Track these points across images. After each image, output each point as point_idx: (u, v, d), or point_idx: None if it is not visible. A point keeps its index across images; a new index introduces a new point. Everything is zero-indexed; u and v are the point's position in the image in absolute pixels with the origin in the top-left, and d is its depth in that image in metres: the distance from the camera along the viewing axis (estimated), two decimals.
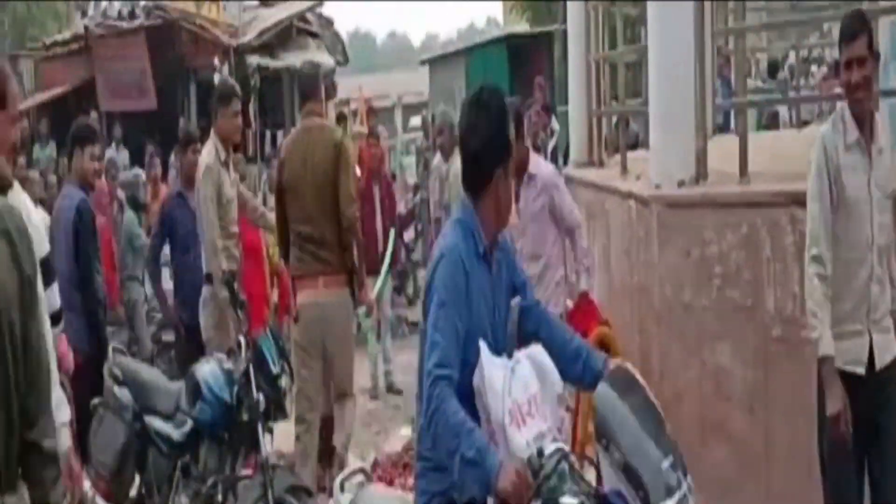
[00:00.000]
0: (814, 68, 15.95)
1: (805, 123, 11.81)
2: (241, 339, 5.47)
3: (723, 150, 5.83)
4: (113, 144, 15.67)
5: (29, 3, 24.88)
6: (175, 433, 5.42)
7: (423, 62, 26.76)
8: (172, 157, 12.14)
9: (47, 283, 3.89)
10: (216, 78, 15.09)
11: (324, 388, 6.35)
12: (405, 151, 18.27)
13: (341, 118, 17.18)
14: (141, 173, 11.45)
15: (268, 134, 16.48)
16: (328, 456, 6.36)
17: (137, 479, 5.55)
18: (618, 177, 6.52)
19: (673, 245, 5.37)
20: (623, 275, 6.03)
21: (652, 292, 5.51)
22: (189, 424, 5.38)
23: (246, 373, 5.30)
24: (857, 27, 3.97)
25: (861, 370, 4.00)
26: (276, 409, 5.43)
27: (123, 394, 5.55)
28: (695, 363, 5.31)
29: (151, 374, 5.85)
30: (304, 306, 6.14)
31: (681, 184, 5.45)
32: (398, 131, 20.77)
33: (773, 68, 14.39)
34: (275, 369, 5.40)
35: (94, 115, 14.82)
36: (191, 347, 6.86)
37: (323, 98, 6.62)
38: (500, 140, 3.15)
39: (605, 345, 5.28)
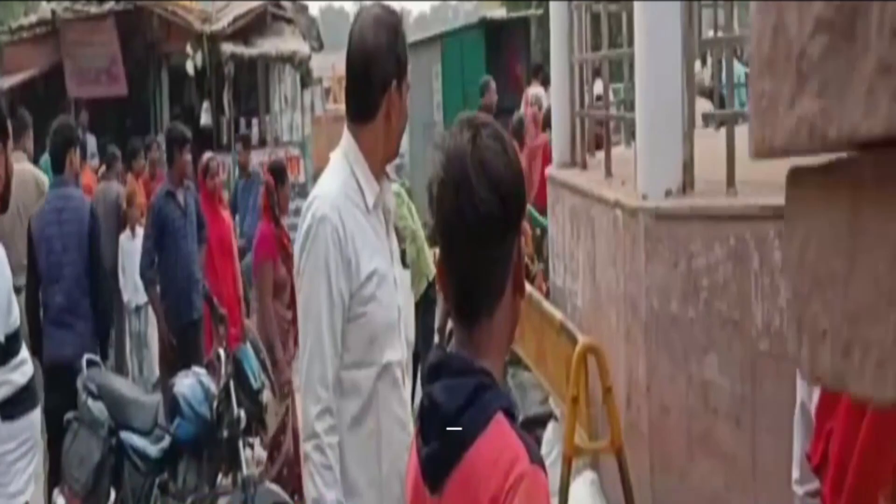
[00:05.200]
0: None
1: None
2: (221, 352, 5.37)
3: (711, 151, 5.71)
4: (79, 130, 15.34)
5: None
6: (152, 449, 5.31)
7: None
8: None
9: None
10: (188, 65, 14.84)
11: None
12: None
13: None
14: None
15: (242, 121, 16.22)
16: None
17: (113, 496, 5.44)
18: (602, 181, 6.43)
19: (660, 257, 5.28)
20: (609, 284, 5.94)
21: (639, 303, 5.42)
22: (167, 440, 5.28)
23: (226, 388, 5.20)
24: None
25: None
26: (257, 424, 5.34)
27: (98, 408, 5.41)
28: (682, 376, 5.23)
29: (127, 388, 5.72)
30: None
31: (668, 193, 5.35)
32: None
33: None
34: (255, 384, 5.30)
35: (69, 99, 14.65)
36: (182, 353, 6.79)
37: None
38: None
39: (595, 357, 5.25)
